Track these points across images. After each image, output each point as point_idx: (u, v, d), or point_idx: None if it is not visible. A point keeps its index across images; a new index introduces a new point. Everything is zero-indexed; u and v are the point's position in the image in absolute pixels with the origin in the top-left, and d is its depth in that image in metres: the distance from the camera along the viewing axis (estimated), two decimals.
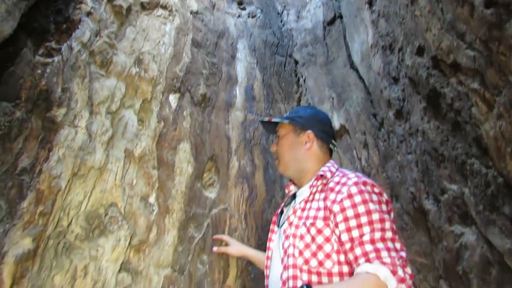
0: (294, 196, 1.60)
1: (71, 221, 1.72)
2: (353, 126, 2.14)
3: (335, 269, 1.22)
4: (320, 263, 1.23)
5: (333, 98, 2.34)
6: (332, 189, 1.32)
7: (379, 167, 1.92)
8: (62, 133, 1.77)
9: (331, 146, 1.57)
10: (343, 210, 1.22)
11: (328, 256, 1.23)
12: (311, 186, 1.43)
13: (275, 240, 1.56)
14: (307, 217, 1.34)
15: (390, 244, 1.13)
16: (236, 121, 2.55)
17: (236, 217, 2.22)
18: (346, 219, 1.21)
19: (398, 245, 1.15)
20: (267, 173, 2.42)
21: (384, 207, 1.25)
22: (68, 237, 1.70)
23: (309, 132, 1.54)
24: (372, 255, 1.11)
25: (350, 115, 2.18)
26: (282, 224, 1.49)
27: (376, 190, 1.29)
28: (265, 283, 1.54)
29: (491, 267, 1.20)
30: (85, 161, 1.81)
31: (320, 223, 1.28)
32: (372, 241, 1.13)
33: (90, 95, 1.94)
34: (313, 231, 1.29)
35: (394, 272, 1.06)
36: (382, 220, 1.18)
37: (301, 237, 1.30)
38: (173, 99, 2.33)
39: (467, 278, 1.31)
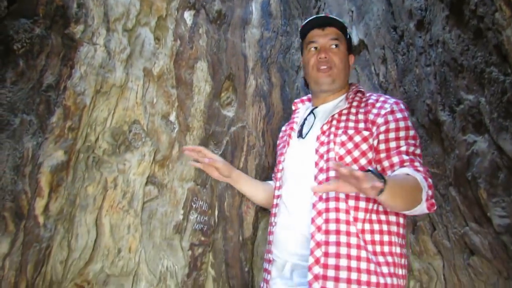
0: (310, 113, 1.62)
1: (98, 136, 1.82)
2: (372, 40, 2.09)
3: None
4: (362, 168, 1.30)
5: (352, 12, 2.26)
6: (373, 105, 1.41)
7: (396, 81, 1.91)
8: (82, 51, 1.80)
9: None
10: (386, 122, 1.32)
11: (370, 162, 1.32)
12: (349, 99, 1.49)
13: (292, 152, 1.59)
14: (347, 127, 1.40)
15: (420, 159, 1.27)
16: (252, 39, 2.51)
17: (254, 135, 2.28)
18: (387, 131, 1.31)
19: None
20: (283, 91, 2.43)
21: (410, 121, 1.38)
22: (96, 151, 1.81)
23: (352, 55, 1.66)
24: (407, 163, 1.23)
25: (369, 29, 2.12)
26: (307, 134, 1.50)
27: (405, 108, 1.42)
28: (276, 194, 1.58)
29: (499, 172, 1.24)
30: (106, 78, 1.85)
31: (365, 132, 1.35)
32: (407, 153, 1.24)
33: (106, 11, 1.93)
34: (357, 138, 1.35)
35: (425, 179, 1.19)
36: (415, 137, 1.30)
37: (342, 144, 1.35)
38: (188, 16, 2.30)
39: (475, 183, 1.36)
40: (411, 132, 1.29)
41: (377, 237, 1.22)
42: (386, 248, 1.20)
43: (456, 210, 1.52)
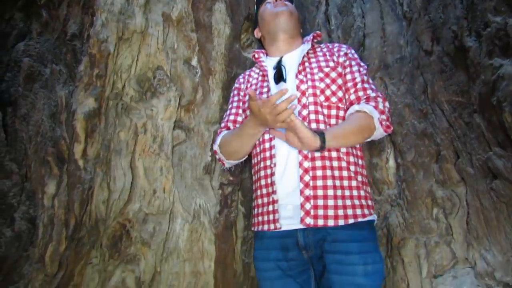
0: (278, 62, 1.68)
1: (124, 84, 1.87)
2: None
3: (342, 104, 1.55)
4: (340, 100, 1.53)
5: None
6: (332, 48, 1.69)
7: (421, 10, 1.84)
8: None
9: None
10: (349, 59, 1.61)
11: (344, 94, 1.55)
12: (310, 41, 1.70)
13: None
14: (319, 66, 1.59)
15: (373, 86, 1.57)
16: None
17: None
18: (350, 65, 1.58)
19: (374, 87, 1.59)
20: (304, 28, 2.37)
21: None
22: (124, 98, 1.87)
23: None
24: (362, 96, 1.52)
25: None
26: (284, 77, 1.60)
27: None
28: (265, 138, 1.58)
29: None
30: (127, 25, 1.87)
31: (339, 69, 1.57)
32: (362, 82, 1.55)
33: None
34: (333, 74, 1.56)
35: (376, 107, 1.46)
36: (366, 68, 1.64)
37: (321, 80, 1.54)
38: None
39: (500, 107, 1.35)
40: (362, 66, 1.64)
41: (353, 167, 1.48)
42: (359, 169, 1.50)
43: (480, 137, 1.53)
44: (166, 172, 1.96)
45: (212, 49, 2.21)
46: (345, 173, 1.41)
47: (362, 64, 1.63)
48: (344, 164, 1.41)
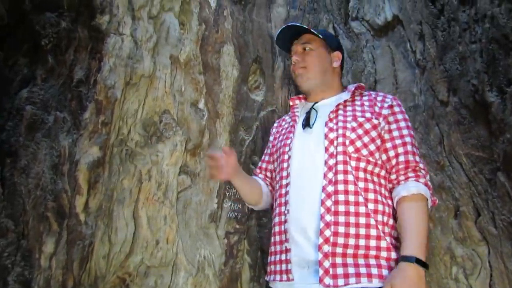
0: (311, 108, 1.62)
1: (130, 129, 1.80)
2: (408, 15, 1.98)
3: (380, 161, 1.42)
4: (371, 153, 1.41)
5: None
6: (376, 98, 1.54)
7: (436, 59, 1.81)
8: (109, 42, 1.76)
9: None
10: (395, 113, 1.47)
11: (378, 148, 1.41)
12: (351, 91, 1.57)
13: (299, 142, 1.55)
14: (355, 115, 1.47)
15: (418, 154, 1.43)
16: (278, 18, 2.42)
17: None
18: (397, 121, 1.45)
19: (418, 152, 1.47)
20: None
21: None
22: (129, 144, 1.79)
23: (338, 52, 1.71)
24: (411, 172, 1.39)
25: (404, 3, 2.00)
26: (314, 123, 1.54)
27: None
28: (282, 183, 1.52)
29: None
30: (135, 69, 1.82)
31: (375, 120, 1.44)
32: (412, 153, 1.41)
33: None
34: (367, 125, 1.43)
35: (426, 184, 1.36)
36: (413, 131, 1.49)
37: (353, 129, 1.43)
38: None
39: None
40: (411, 131, 1.46)
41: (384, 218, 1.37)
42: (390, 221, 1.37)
43: (505, 196, 1.46)
44: (170, 221, 1.87)
45: (219, 91, 2.16)
46: (373, 232, 1.29)
47: (410, 129, 1.47)
48: (372, 221, 1.30)
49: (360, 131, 1.43)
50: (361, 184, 1.35)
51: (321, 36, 1.65)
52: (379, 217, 1.32)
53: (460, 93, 1.68)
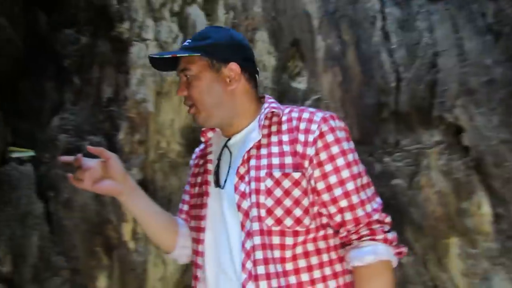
0: (223, 148, 1.17)
1: (169, 140, 1.71)
2: None
3: (313, 225, 1.02)
4: (298, 221, 1.03)
5: None
6: (297, 128, 1.08)
7: None
8: (133, 51, 1.63)
9: (256, 75, 1.21)
10: (325, 147, 1.04)
11: (306, 211, 1.02)
12: (261, 127, 1.09)
13: (213, 206, 1.15)
14: (270, 166, 1.05)
15: (371, 199, 1.04)
16: None
17: (332, 106, 2.03)
18: (330, 159, 1.04)
19: (372, 189, 1.06)
20: (359, 49, 2.10)
21: (352, 144, 1.07)
22: (170, 156, 1.70)
23: (232, 64, 1.12)
24: (364, 230, 1.02)
25: None
26: (225, 182, 1.12)
27: (343, 125, 1.07)
28: (195, 260, 1.12)
29: None
30: (165, 76, 1.69)
31: (295, 174, 1.03)
32: (359, 204, 1.02)
33: None
34: (286, 183, 1.03)
35: (385, 240, 1.00)
36: (360, 171, 1.05)
37: (268, 192, 1.03)
38: None
39: None
40: (354, 168, 1.04)
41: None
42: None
43: None
44: None
45: (258, 84, 1.99)
46: None
47: (353, 166, 1.06)
48: None
49: (278, 193, 1.03)
50: (289, 268, 1.01)
51: (198, 53, 1.12)
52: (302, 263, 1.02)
53: None
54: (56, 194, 1.40)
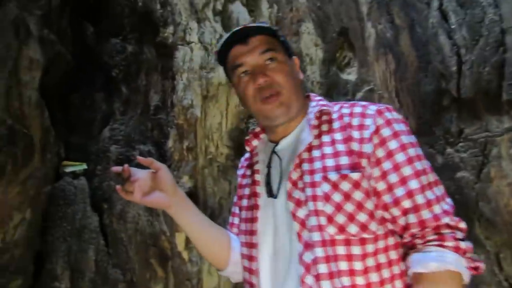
0: (271, 154, 1.07)
1: (217, 144, 1.67)
2: None
3: (381, 231, 0.90)
4: (363, 227, 0.91)
5: None
6: (350, 125, 0.96)
7: None
8: (178, 56, 1.60)
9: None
10: (382, 143, 0.93)
11: (371, 215, 0.91)
12: (312, 126, 0.99)
13: (264, 217, 1.05)
14: (325, 169, 0.95)
15: (440, 199, 0.90)
16: None
17: (386, 97, 1.90)
18: (389, 156, 0.93)
19: (441, 188, 0.91)
20: (414, 33, 1.94)
21: (413, 138, 0.94)
22: (219, 160, 1.67)
23: (295, 58, 1.05)
24: (430, 234, 0.88)
25: None
26: (278, 191, 1.01)
27: (400, 117, 0.95)
28: (248, 279, 1.04)
29: None
30: (210, 79, 1.65)
31: (353, 174, 0.92)
32: (425, 205, 0.89)
33: (191, 0, 1.68)
34: (345, 186, 0.92)
35: (457, 247, 0.86)
36: (425, 166, 0.92)
37: (326, 198, 0.93)
38: None
39: None
40: (417, 164, 0.90)
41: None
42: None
43: None
44: None
45: (306, 79, 1.91)
46: None
47: (416, 161, 0.93)
48: None
49: (337, 197, 0.92)
50: (360, 282, 0.89)
51: (282, 37, 1.05)
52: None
53: None
54: (110, 206, 1.41)
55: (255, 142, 1.12)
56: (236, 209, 1.18)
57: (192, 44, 1.65)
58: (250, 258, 1.03)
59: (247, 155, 1.17)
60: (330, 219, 0.90)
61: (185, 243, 1.42)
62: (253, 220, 1.05)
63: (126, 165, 0.94)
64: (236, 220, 1.17)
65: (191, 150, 1.53)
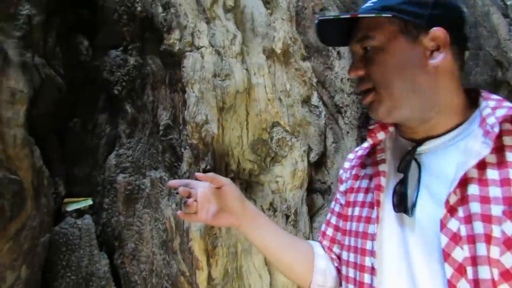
0: (407, 156, 0.78)
1: (238, 159, 1.48)
2: None
3: None
4: None
5: None
6: None
7: None
8: (187, 64, 1.40)
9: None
10: None
11: None
12: (490, 133, 0.70)
13: (392, 239, 0.81)
14: (509, 200, 0.69)
15: None
16: None
17: None
18: None
19: None
20: None
21: None
22: (242, 177, 1.49)
23: (438, 30, 0.74)
24: None
25: None
26: (413, 207, 0.78)
27: None
28: None
29: None
30: (226, 88, 1.44)
31: None
32: None
33: None
34: None
35: None
36: None
37: (507, 244, 0.68)
38: None
39: None
40: None
41: None
42: None
43: None
44: None
45: (333, 76, 1.68)
46: None
47: None
48: None
49: (508, 259, 0.68)
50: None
51: (389, 14, 0.76)
52: None
53: None
54: (121, 245, 1.24)
55: (380, 135, 0.88)
56: (333, 219, 0.97)
57: (202, 49, 1.43)
58: (361, 285, 0.81)
59: (359, 151, 0.95)
60: (508, 276, 0.65)
61: (207, 280, 1.25)
62: (368, 236, 0.83)
63: (181, 188, 0.82)
64: (329, 231, 0.97)
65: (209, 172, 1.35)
